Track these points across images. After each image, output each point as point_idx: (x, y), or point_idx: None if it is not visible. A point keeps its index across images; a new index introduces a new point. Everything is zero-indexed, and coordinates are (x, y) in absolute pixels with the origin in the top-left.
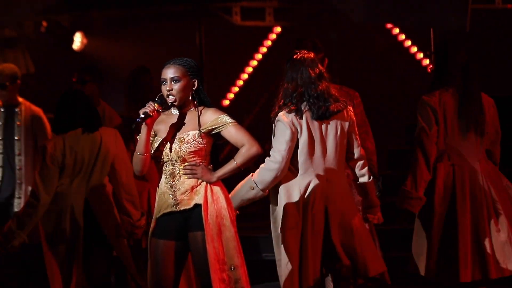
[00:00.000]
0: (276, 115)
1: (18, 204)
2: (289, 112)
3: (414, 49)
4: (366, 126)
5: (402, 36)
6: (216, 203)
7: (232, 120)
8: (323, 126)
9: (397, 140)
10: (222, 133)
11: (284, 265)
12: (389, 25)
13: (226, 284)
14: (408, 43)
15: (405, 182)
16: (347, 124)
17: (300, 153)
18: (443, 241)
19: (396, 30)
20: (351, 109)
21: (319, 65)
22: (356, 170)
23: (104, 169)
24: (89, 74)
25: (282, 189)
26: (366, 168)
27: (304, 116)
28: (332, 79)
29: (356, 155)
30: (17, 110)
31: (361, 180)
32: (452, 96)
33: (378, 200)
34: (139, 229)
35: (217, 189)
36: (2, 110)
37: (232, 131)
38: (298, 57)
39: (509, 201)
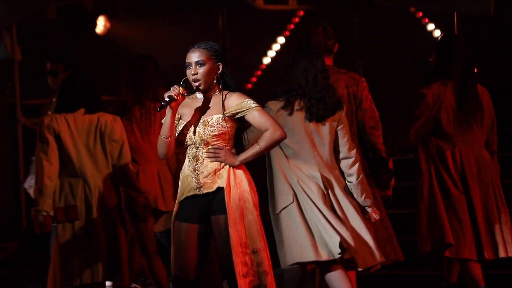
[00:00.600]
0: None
1: None
2: (278, 102)
3: (437, 32)
4: (373, 112)
5: (426, 20)
6: (239, 187)
7: (256, 105)
8: (315, 126)
9: None
10: (246, 117)
11: (290, 241)
12: (412, 9)
13: (248, 267)
14: (431, 26)
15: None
16: (336, 124)
17: (292, 144)
18: (461, 222)
19: (420, 14)
20: (344, 112)
21: (325, 65)
22: (345, 170)
23: (105, 149)
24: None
25: (279, 176)
26: (354, 168)
27: (295, 113)
28: (355, 65)
29: (344, 154)
30: None
31: (348, 179)
32: (450, 88)
33: (371, 198)
34: (140, 208)
35: (240, 172)
36: (54, 100)
37: (256, 116)
38: (308, 55)
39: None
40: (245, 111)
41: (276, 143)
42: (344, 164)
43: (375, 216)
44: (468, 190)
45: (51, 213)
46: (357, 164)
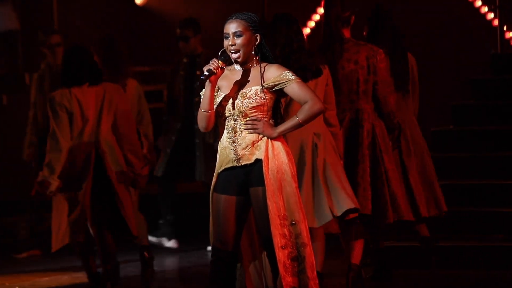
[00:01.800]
0: None
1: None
2: None
3: (479, 2)
4: (390, 82)
5: None
6: (277, 158)
7: (295, 77)
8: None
9: (461, 95)
10: (285, 89)
11: None
12: None
13: (286, 239)
14: None
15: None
16: (326, 81)
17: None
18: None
19: None
20: (328, 69)
21: (300, 30)
22: (330, 120)
23: (109, 119)
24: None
25: None
26: (336, 119)
27: None
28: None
29: (331, 107)
30: (198, 60)
31: (332, 129)
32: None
33: (342, 150)
34: (142, 177)
35: (278, 144)
36: (184, 60)
37: (295, 88)
38: (285, 21)
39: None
40: (284, 83)
41: (315, 115)
42: (330, 114)
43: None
44: (400, 155)
45: (54, 186)
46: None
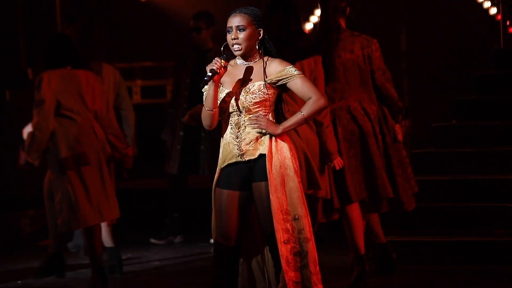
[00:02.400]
0: None
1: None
2: None
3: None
4: (386, 70)
5: None
6: (280, 153)
7: (298, 72)
8: None
9: (464, 90)
10: (288, 85)
11: None
12: None
13: (289, 234)
14: None
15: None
16: (313, 69)
17: None
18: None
19: None
20: (320, 59)
21: (297, 15)
22: (318, 117)
23: (94, 105)
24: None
25: None
26: (325, 116)
27: None
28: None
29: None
30: (208, 55)
31: (320, 128)
32: None
33: (335, 146)
34: (128, 158)
35: (281, 139)
36: (193, 55)
37: (299, 83)
38: (281, 6)
39: None
40: (286, 79)
41: (320, 111)
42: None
43: (338, 164)
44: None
45: (35, 164)
46: (328, 114)
